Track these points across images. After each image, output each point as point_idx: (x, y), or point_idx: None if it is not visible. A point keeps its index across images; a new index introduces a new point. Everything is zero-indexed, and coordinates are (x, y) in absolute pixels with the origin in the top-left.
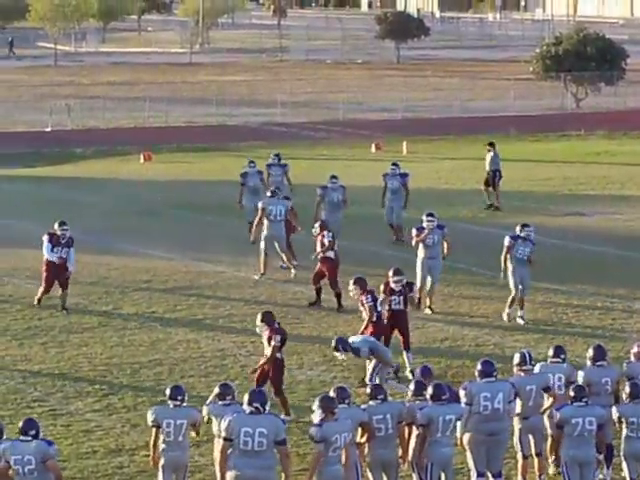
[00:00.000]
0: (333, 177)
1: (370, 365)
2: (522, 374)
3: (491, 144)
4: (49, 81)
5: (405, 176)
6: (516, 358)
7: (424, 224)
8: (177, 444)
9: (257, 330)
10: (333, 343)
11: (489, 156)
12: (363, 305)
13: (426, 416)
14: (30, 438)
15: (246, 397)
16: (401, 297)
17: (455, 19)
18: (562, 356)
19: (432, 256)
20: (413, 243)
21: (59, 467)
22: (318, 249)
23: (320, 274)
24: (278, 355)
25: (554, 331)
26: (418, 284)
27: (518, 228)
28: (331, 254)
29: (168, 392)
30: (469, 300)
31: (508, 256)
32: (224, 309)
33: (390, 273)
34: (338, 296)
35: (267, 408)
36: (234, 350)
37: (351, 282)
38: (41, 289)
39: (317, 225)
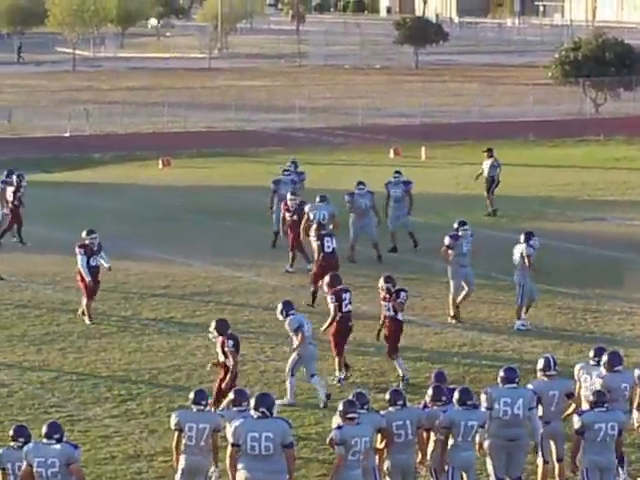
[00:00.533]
0: (360, 183)
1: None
2: (545, 379)
3: (489, 150)
4: (68, 86)
5: (408, 184)
6: (540, 363)
7: (459, 232)
8: (198, 448)
9: (210, 337)
10: (280, 306)
11: (487, 162)
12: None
13: (448, 419)
14: (54, 441)
15: (252, 402)
16: (390, 304)
17: (474, 24)
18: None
19: (467, 264)
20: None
21: (82, 471)
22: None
23: (319, 275)
24: (229, 362)
25: (572, 336)
26: (452, 294)
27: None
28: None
29: (192, 396)
30: (487, 305)
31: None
32: (242, 314)
33: (381, 280)
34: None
35: (274, 412)
36: (253, 356)
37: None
38: (85, 301)
39: (314, 228)
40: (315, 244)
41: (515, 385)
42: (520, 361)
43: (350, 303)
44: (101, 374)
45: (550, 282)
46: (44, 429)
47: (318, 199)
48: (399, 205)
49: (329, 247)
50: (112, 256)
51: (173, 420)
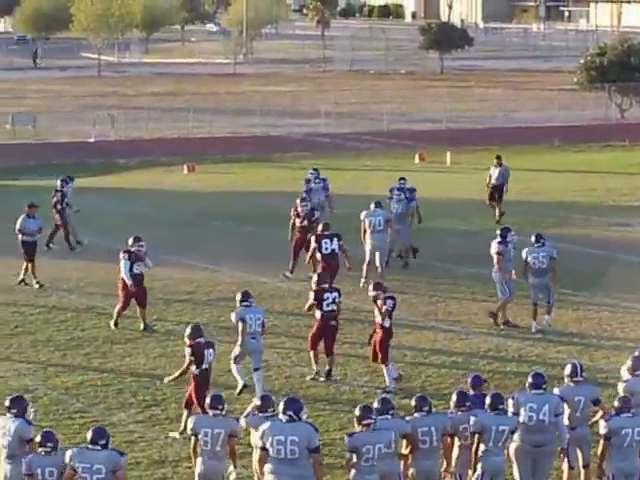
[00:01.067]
0: (399, 189)
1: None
2: (572, 385)
3: (498, 158)
4: (92, 92)
5: (412, 191)
6: (567, 369)
7: (507, 238)
8: (214, 454)
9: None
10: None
11: (497, 170)
12: None
13: (480, 424)
14: (99, 447)
15: (281, 406)
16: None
17: (499, 29)
18: None
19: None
20: (496, 259)
21: (127, 478)
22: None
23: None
24: (194, 369)
25: (598, 342)
26: (502, 299)
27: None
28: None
29: (208, 400)
30: (512, 311)
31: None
32: (267, 320)
33: (370, 286)
34: None
35: (302, 416)
36: (278, 361)
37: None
38: (118, 307)
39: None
40: (314, 245)
41: (542, 391)
42: (545, 367)
43: (334, 303)
44: (126, 379)
45: (575, 288)
46: (89, 435)
47: (373, 205)
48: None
49: (327, 249)
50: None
51: (189, 425)
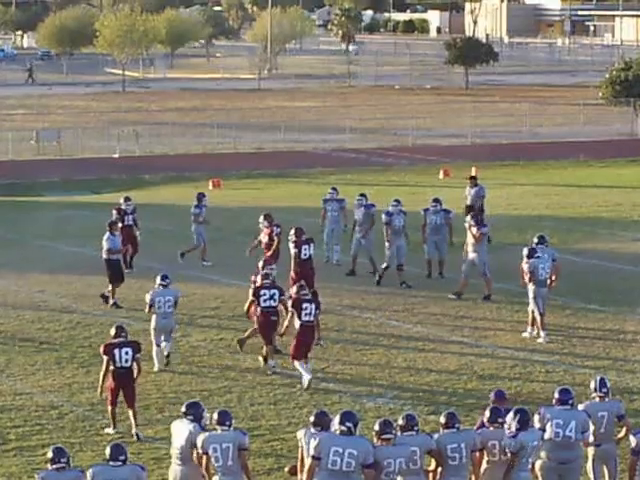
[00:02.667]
0: (435, 200)
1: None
2: (597, 400)
3: (473, 178)
4: (117, 107)
5: (371, 207)
6: (592, 384)
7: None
8: (227, 469)
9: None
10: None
11: (472, 191)
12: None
13: (520, 444)
14: (120, 463)
15: (337, 417)
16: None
17: (524, 44)
18: None
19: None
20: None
21: None
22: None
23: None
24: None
25: (624, 358)
26: (538, 312)
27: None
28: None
29: (215, 417)
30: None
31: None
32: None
33: (294, 288)
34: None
35: (358, 430)
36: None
37: None
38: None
39: (292, 232)
40: (293, 251)
41: (569, 407)
42: (571, 383)
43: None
44: (151, 396)
45: (601, 303)
46: (108, 451)
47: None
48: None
49: (306, 254)
50: None
51: (198, 444)
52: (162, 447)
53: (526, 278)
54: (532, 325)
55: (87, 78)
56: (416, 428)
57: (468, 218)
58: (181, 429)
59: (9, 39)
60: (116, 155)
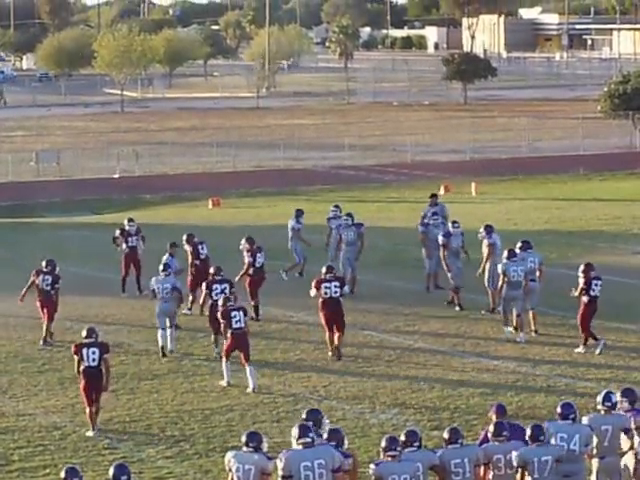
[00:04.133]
0: (434, 214)
1: None
2: (602, 412)
3: (434, 196)
4: (116, 127)
5: (360, 226)
6: (599, 397)
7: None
8: None
9: None
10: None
11: (432, 210)
12: None
13: (521, 459)
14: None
15: (295, 432)
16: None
17: (522, 59)
18: None
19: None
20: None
21: None
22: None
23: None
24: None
25: (626, 372)
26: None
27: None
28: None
29: (244, 438)
30: (539, 340)
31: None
32: (294, 354)
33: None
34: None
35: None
36: (306, 395)
37: None
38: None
39: (243, 241)
40: (248, 259)
41: (571, 421)
42: (574, 396)
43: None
44: (154, 415)
45: (602, 317)
46: (111, 471)
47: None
48: (350, 249)
49: (260, 262)
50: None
51: (225, 460)
52: (164, 466)
53: (500, 280)
54: (517, 329)
55: (86, 99)
56: (417, 444)
57: (481, 230)
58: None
59: (8, 61)
60: (116, 175)
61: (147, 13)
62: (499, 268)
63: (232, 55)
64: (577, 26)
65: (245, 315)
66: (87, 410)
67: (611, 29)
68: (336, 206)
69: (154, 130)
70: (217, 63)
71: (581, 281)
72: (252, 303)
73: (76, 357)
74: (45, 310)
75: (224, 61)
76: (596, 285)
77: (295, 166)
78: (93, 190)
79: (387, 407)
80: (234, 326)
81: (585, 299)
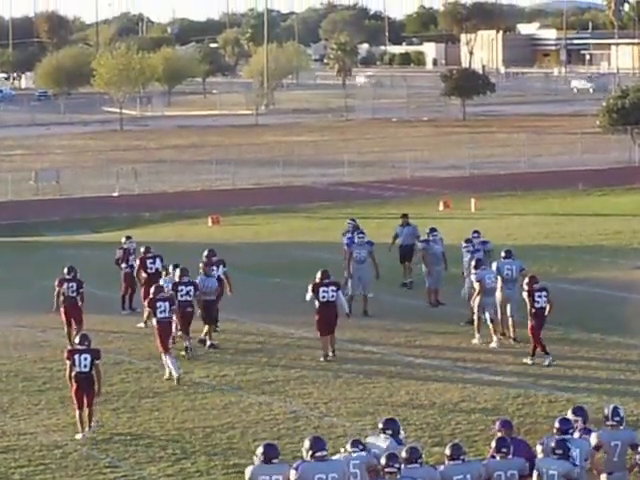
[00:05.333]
0: (433, 230)
1: None
2: (609, 428)
3: (404, 216)
4: (115, 146)
5: (371, 244)
6: (605, 411)
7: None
8: None
9: None
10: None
11: (404, 230)
12: None
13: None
14: None
15: (307, 445)
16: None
17: (520, 74)
18: None
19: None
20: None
21: None
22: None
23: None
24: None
25: (627, 386)
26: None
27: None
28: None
29: (261, 450)
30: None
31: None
32: (295, 371)
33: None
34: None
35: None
36: (306, 412)
37: None
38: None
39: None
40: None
41: (569, 436)
42: None
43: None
44: (155, 433)
45: (603, 332)
46: None
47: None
48: (362, 266)
49: (151, 269)
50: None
51: (247, 475)
52: None
53: (475, 289)
54: (497, 333)
55: (85, 117)
56: (420, 461)
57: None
58: (377, 444)
59: (7, 80)
60: (115, 194)
61: (146, 31)
62: (473, 278)
63: (231, 72)
64: (575, 41)
65: (171, 306)
66: (77, 413)
67: (609, 44)
68: (352, 219)
69: (153, 148)
70: (216, 81)
71: (525, 294)
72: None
73: (68, 362)
74: (72, 317)
75: (223, 79)
76: (540, 297)
77: (294, 183)
78: (92, 208)
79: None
80: (159, 316)
81: (532, 311)
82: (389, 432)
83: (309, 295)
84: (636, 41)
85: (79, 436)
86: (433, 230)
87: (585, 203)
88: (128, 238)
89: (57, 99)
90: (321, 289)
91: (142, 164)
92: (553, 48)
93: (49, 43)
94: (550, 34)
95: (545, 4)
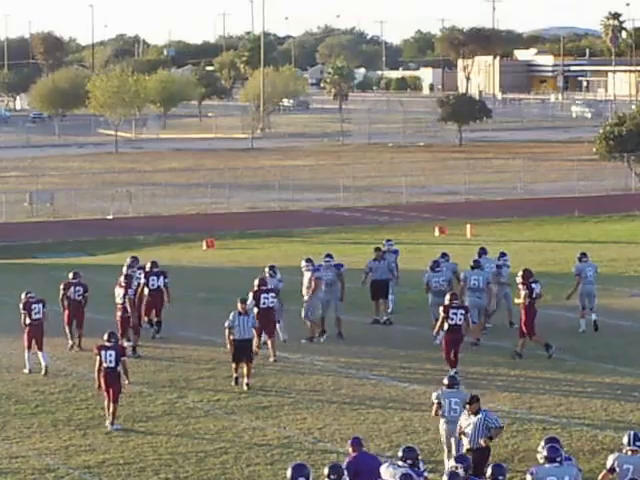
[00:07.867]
0: (444, 254)
1: None
2: (629, 453)
3: (378, 249)
4: (110, 168)
5: (340, 267)
6: (625, 438)
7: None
8: None
9: None
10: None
11: (378, 265)
12: None
13: None
14: None
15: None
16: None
17: (517, 100)
18: None
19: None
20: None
21: None
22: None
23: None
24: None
25: (622, 414)
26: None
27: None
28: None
29: (289, 472)
30: (535, 383)
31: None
32: (289, 396)
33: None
34: None
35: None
36: (300, 437)
37: None
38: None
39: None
40: (143, 281)
41: (558, 464)
42: (569, 439)
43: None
44: (148, 458)
45: (598, 359)
46: None
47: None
48: (330, 289)
49: (153, 285)
50: (157, 338)
51: None
52: None
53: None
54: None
55: (80, 139)
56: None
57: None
58: (394, 474)
59: (2, 101)
60: (110, 216)
61: (142, 53)
62: (425, 278)
63: (227, 96)
64: (572, 68)
65: (44, 307)
66: (105, 403)
67: (606, 71)
68: (388, 240)
69: (148, 171)
70: (211, 104)
71: (521, 286)
72: (156, 319)
73: (97, 357)
74: (76, 318)
75: (219, 102)
76: (536, 286)
77: (290, 207)
78: (87, 231)
79: (382, 450)
80: (33, 317)
81: (527, 302)
82: (409, 462)
83: (250, 301)
84: (633, 68)
85: (107, 424)
86: (436, 264)
87: (581, 230)
88: (134, 259)
89: (52, 121)
90: (262, 295)
91: (137, 187)
92: (550, 74)
93: (44, 64)
94: (547, 60)
95: (542, 30)
